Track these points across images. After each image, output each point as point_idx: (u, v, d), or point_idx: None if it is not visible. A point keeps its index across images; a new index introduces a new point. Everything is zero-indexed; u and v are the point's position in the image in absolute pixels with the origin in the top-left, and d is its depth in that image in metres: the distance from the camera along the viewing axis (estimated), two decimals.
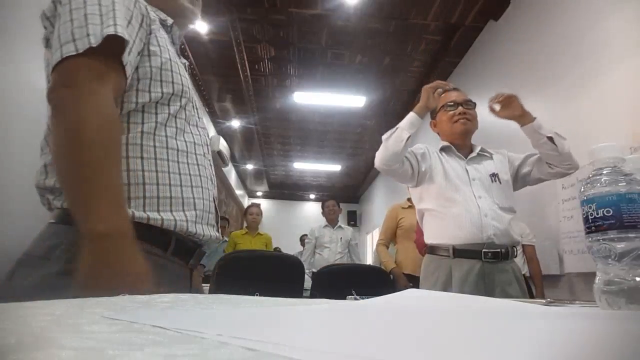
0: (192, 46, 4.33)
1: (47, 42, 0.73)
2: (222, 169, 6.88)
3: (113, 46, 0.67)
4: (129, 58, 0.70)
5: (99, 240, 0.58)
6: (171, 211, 0.73)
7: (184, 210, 0.75)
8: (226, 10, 3.72)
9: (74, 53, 0.63)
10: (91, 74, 0.65)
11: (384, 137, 1.53)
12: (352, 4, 3.61)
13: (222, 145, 6.07)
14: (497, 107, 1.50)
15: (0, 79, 1.72)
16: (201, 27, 3.96)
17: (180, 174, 0.77)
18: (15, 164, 1.61)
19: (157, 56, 0.77)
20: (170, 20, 0.88)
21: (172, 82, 0.79)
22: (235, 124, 6.39)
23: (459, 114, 1.60)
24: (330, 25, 3.95)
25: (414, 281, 2.82)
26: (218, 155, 6.11)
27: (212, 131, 6.24)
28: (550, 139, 1.45)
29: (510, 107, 1.49)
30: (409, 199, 3.39)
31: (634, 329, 0.30)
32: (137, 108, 0.74)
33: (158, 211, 0.72)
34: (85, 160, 0.61)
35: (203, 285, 2.81)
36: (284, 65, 4.73)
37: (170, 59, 0.79)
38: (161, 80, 0.77)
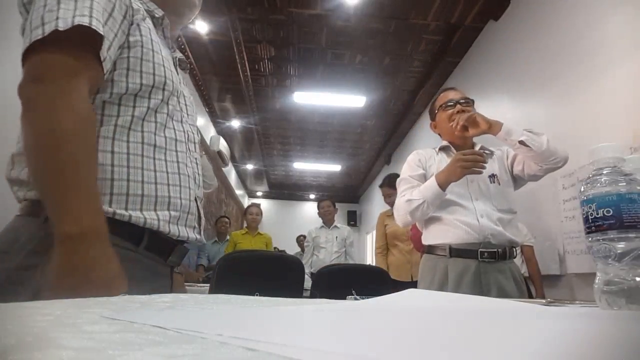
0: (192, 46, 4.33)
1: (23, 31, 0.69)
2: (222, 169, 6.88)
3: (89, 39, 0.64)
4: (109, 53, 0.67)
5: (71, 242, 0.56)
6: (141, 210, 0.70)
7: (156, 210, 0.72)
8: (226, 10, 3.72)
9: (41, 36, 0.60)
10: (64, 69, 0.62)
11: (405, 201, 1.51)
12: (352, 4, 3.61)
13: (222, 145, 6.06)
14: (465, 130, 1.49)
15: (0, 79, 1.72)
16: (201, 27, 3.96)
17: (155, 171, 0.73)
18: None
19: (137, 47, 0.73)
20: (159, 12, 0.84)
21: (153, 74, 0.75)
22: (235, 124, 6.39)
23: (457, 112, 1.59)
24: (330, 25, 3.95)
25: (400, 286, 2.85)
26: (218, 155, 6.11)
27: (212, 131, 6.23)
28: (522, 142, 1.41)
29: (475, 124, 1.47)
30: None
31: (634, 329, 0.30)
32: (112, 99, 0.71)
33: (126, 209, 0.69)
34: (58, 160, 0.59)
35: (203, 285, 2.82)
36: (284, 65, 4.73)
37: (152, 50, 0.75)
38: (141, 71, 0.73)
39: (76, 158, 0.60)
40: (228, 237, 4.59)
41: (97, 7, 0.65)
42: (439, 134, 1.73)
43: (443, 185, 1.44)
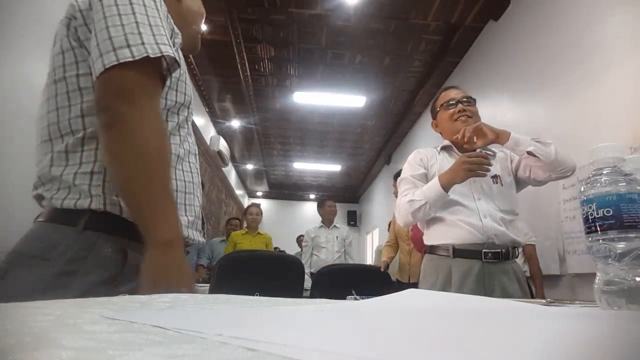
0: None
1: (70, 31, 0.73)
2: (222, 169, 6.88)
3: (161, 59, 0.70)
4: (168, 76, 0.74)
5: (167, 247, 0.64)
6: None
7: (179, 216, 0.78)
8: (226, 10, 3.72)
9: (131, 59, 0.64)
10: (147, 88, 0.68)
11: (407, 201, 1.49)
12: (352, 4, 3.61)
13: (222, 145, 6.07)
14: (473, 141, 1.47)
15: (0, 79, 1.72)
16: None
17: (177, 180, 0.79)
18: (15, 163, 1.61)
19: (177, 68, 0.79)
20: (177, 29, 0.89)
21: (185, 93, 0.82)
22: (235, 124, 6.39)
23: (459, 111, 1.58)
24: (330, 25, 3.95)
25: (400, 287, 2.90)
26: (218, 155, 6.11)
27: (212, 131, 6.23)
28: (531, 152, 1.39)
29: (481, 135, 1.45)
30: None
31: (634, 329, 0.30)
32: None
33: None
34: (151, 174, 0.66)
35: (203, 285, 2.82)
36: (284, 65, 4.73)
37: (184, 71, 0.82)
38: (176, 90, 0.81)
39: (164, 172, 0.68)
40: (223, 238, 4.60)
41: (166, 33, 0.72)
42: (440, 133, 1.72)
43: (446, 187, 1.42)
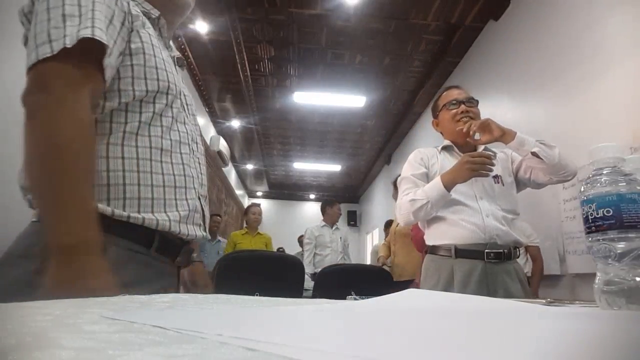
0: (192, 46, 4.33)
1: (26, 41, 0.71)
2: (222, 169, 6.88)
3: (91, 48, 0.65)
4: (109, 60, 0.68)
5: (64, 253, 0.57)
6: (152, 212, 0.73)
7: (166, 212, 0.74)
8: (226, 10, 3.72)
9: (50, 54, 0.62)
10: (67, 79, 0.64)
11: (408, 200, 1.48)
12: (352, 4, 3.61)
13: (222, 145, 6.07)
14: (478, 136, 1.47)
15: (0, 79, 1.72)
16: (201, 27, 3.96)
17: (163, 174, 0.76)
18: (14, 163, 1.61)
19: (139, 54, 0.75)
20: (155, 12, 0.85)
21: (157, 80, 0.77)
22: (235, 124, 6.39)
23: (462, 112, 1.57)
24: (330, 25, 3.95)
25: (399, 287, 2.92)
26: (218, 155, 6.11)
27: (212, 131, 6.23)
28: (535, 153, 1.39)
29: (488, 131, 1.44)
30: None
31: (634, 329, 0.30)
32: (120, 107, 0.73)
33: (139, 212, 0.71)
34: (55, 170, 0.60)
35: None
36: (284, 65, 4.73)
37: (154, 55, 0.77)
38: (145, 78, 0.75)
39: (73, 168, 0.61)
40: (219, 237, 4.60)
41: (99, 16, 0.67)
42: (441, 132, 1.71)
43: (448, 186, 1.41)
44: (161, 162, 0.76)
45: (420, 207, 1.46)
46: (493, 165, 1.40)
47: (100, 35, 0.65)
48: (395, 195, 3.52)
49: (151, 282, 0.73)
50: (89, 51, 0.65)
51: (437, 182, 1.44)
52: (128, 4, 0.76)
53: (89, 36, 0.64)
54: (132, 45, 0.75)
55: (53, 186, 0.60)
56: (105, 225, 0.64)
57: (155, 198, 0.73)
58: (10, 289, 0.61)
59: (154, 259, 0.75)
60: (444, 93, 1.68)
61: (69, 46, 0.62)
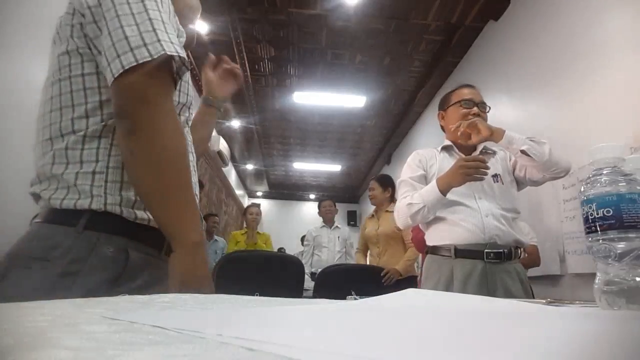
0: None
1: (74, 29, 0.71)
2: (222, 169, 6.88)
3: (174, 59, 0.68)
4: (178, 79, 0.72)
5: (195, 248, 0.66)
6: None
7: None
8: (226, 10, 3.72)
9: (149, 58, 0.63)
10: (164, 89, 0.67)
11: (406, 204, 1.49)
12: (352, 4, 3.61)
13: (222, 145, 6.06)
14: (468, 136, 1.48)
15: (0, 79, 1.72)
16: (201, 27, 3.95)
17: None
18: (15, 163, 1.61)
19: (187, 70, 0.77)
20: (182, 28, 0.87)
21: (187, 94, 0.80)
22: (235, 124, 6.38)
23: (473, 114, 1.54)
24: (330, 25, 3.95)
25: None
26: (218, 155, 6.11)
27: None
28: (524, 151, 1.40)
29: (477, 131, 1.46)
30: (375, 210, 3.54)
31: (634, 329, 0.30)
32: None
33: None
34: (175, 179, 0.67)
35: None
36: (284, 65, 4.73)
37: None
38: (179, 91, 0.79)
39: (187, 174, 0.69)
40: (216, 237, 4.60)
41: (170, 30, 0.70)
42: (442, 127, 1.70)
43: (444, 190, 1.42)
44: None
45: (417, 211, 1.47)
46: (487, 168, 1.40)
47: (184, 55, 0.69)
48: (369, 193, 3.55)
49: (162, 284, 0.74)
50: (171, 64, 0.69)
51: (433, 186, 1.45)
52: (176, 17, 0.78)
53: (184, 57, 0.68)
54: None
55: (176, 192, 0.67)
56: (125, 229, 0.68)
57: None
58: (34, 292, 0.61)
59: (163, 261, 0.77)
60: (459, 89, 1.66)
61: (169, 54, 0.65)
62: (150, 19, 0.66)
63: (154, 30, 0.65)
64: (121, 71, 0.63)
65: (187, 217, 0.67)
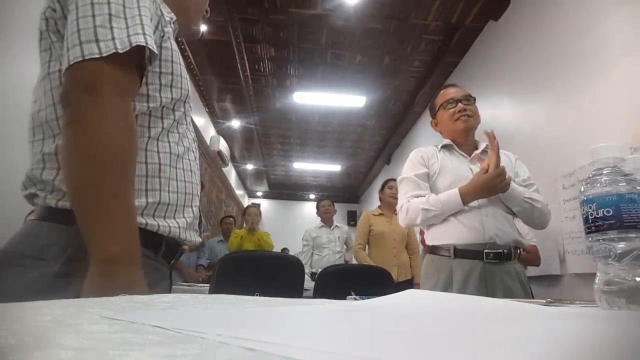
0: (192, 46, 4.33)
1: (49, 25, 0.69)
2: (222, 169, 6.88)
3: (136, 52, 0.64)
4: (149, 66, 0.69)
5: (108, 264, 0.57)
6: (164, 217, 0.73)
7: (175, 218, 0.75)
8: (226, 10, 3.72)
9: (97, 56, 0.60)
10: (114, 82, 0.62)
11: (421, 207, 1.49)
12: (352, 4, 3.61)
13: (222, 145, 6.06)
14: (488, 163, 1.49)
15: (1, 79, 1.72)
16: (201, 27, 3.95)
17: (177, 180, 0.76)
18: (15, 163, 1.61)
19: (169, 61, 0.75)
20: (171, 16, 0.84)
21: (181, 88, 0.77)
22: (235, 124, 6.38)
23: (459, 111, 1.57)
24: (330, 25, 3.95)
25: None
26: (218, 155, 6.11)
27: (212, 131, 6.23)
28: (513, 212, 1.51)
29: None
30: (380, 207, 3.54)
31: (634, 329, 0.30)
32: (145, 112, 0.73)
33: (154, 217, 0.71)
34: (103, 181, 0.58)
35: (203, 285, 2.82)
36: (284, 65, 4.73)
37: (180, 63, 0.77)
38: (171, 86, 0.75)
39: (120, 177, 0.60)
40: (216, 238, 4.60)
41: (146, 22, 0.66)
42: (440, 132, 1.71)
43: (467, 201, 1.45)
44: (176, 168, 0.77)
45: (431, 217, 1.48)
46: (508, 183, 1.45)
47: (151, 43, 0.65)
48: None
49: (159, 287, 0.74)
50: (134, 56, 0.64)
51: (455, 196, 1.45)
52: (160, 7, 0.75)
53: (142, 44, 0.63)
54: (164, 52, 0.74)
55: (101, 194, 0.58)
56: None
57: (170, 204, 0.74)
58: (28, 291, 0.60)
59: (160, 264, 0.76)
60: (441, 92, 1.68)
61: (120, 52, 0.61)
62: (110, 14, 0.63)
63: (111, 27, 0.62)
64: (67, 65, 0.61)
65: (103, 223, 0.57)
